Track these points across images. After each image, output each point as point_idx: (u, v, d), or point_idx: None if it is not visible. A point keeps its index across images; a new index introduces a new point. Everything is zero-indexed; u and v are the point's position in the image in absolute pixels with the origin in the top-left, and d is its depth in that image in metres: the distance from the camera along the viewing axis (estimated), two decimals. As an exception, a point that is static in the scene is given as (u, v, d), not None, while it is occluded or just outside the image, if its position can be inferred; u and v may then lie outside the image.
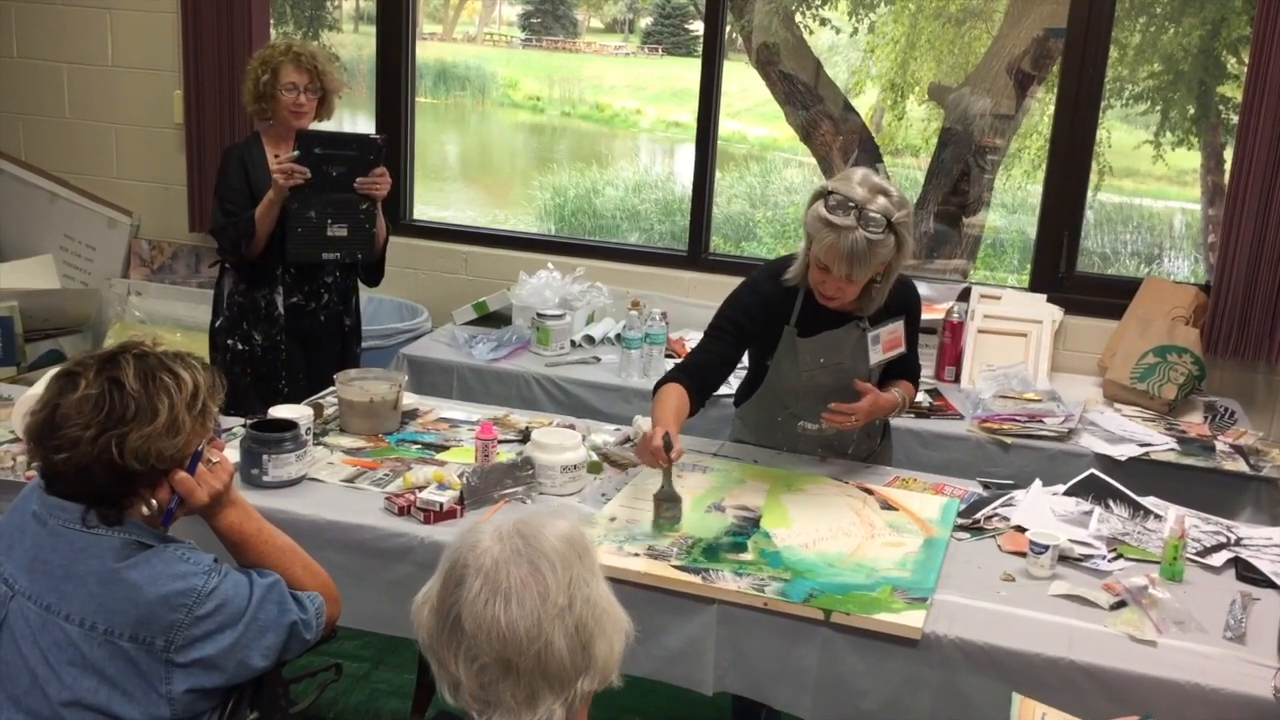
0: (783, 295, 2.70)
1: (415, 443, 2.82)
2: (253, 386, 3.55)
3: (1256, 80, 3.59)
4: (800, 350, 2.72)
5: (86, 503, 1.75)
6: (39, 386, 2.03)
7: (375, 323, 4.47)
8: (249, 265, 3.55)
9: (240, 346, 3.60)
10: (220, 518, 1.91)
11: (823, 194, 2.51)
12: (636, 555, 2.28)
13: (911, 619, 2.09)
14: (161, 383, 1.74)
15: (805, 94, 5.09)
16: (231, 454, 2.28)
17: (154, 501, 1.79)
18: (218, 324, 3.67)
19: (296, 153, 3.39)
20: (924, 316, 3.77)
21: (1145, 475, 3.09)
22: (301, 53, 3.54)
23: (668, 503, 2.42)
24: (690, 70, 4.48)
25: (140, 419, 1.71)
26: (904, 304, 2.78)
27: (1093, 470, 2.81)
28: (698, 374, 2.67)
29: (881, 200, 2.47)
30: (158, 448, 1.73)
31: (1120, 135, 4.61)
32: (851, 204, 2.46)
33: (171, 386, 1.75)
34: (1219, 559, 2.40)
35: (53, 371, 1.84)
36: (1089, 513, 2.55)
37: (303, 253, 3.53)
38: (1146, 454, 3.21)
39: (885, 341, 2.75)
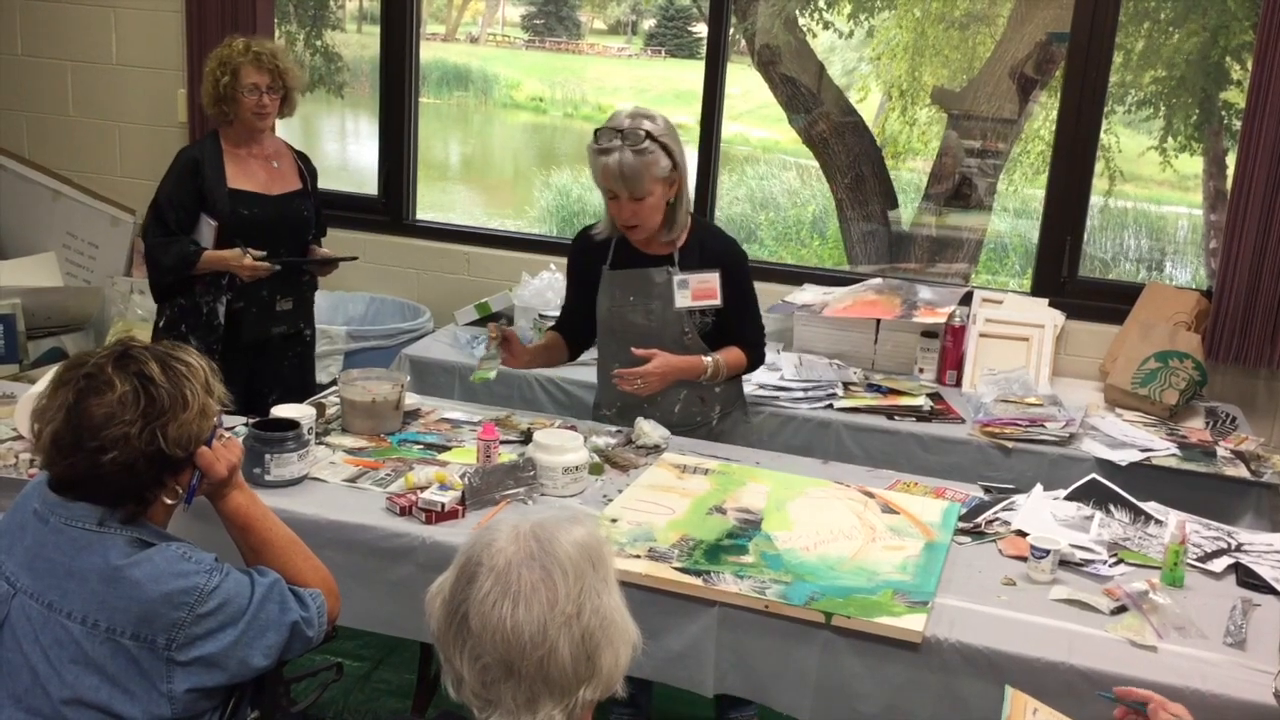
0: (599, 245, 2.95)
1: (417, 443, 2.82)
2: None
3: (1259, 86, 3.59)
4: (610, 285, 2.91)
5: (112, 504, 1.77)
6: (41, 385, 2.03)
7: (377, 323, 4.48)
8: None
9: None
10: (229, 499, 1.96)
11: (594, 135, 2.75)
12: (638, 557, 2.28)
13: (912, 622, 2.09)
14: (180, 372, 1.80)
15: (808, 97, 5.09)
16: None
17: (177, 488, 1.83)
18: (160, 324, 3.58)
19: (265, 256, 3.45)
20: (927, 320, 3.82)
21: (1146, 480, 3.09)
22: (261, 51, 3.45)
23: (486, 359, 2.90)
24: (693, 72, 4.48)
25: (175, 408, 1.77)
26: (719, 257, 2.90)
27: (1094, 475, 2.81)
28: (570, 323, 3.09)
29: (646, 122, 2.71)
30: (192, 432, 1.80)
31: (1123, 140, 4.61)
32: (614, 129, 2.71)
33: (188, 374, 1.81)
34: (1220, 564, 2.40)
35: (50, 376, 1.85)
36: (1090, 517, 2.55)
37: (256, 331, 3.57)
38: (1148, 459, 3.21)
39: (695, 288, 2.85)
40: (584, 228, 3.02)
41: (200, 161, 3.47)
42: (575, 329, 3.08)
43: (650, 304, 2.87)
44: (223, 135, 3.55)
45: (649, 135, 2.69)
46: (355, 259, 3.88)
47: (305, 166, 3.72)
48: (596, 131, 2.73)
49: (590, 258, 2.96)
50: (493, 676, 1.31)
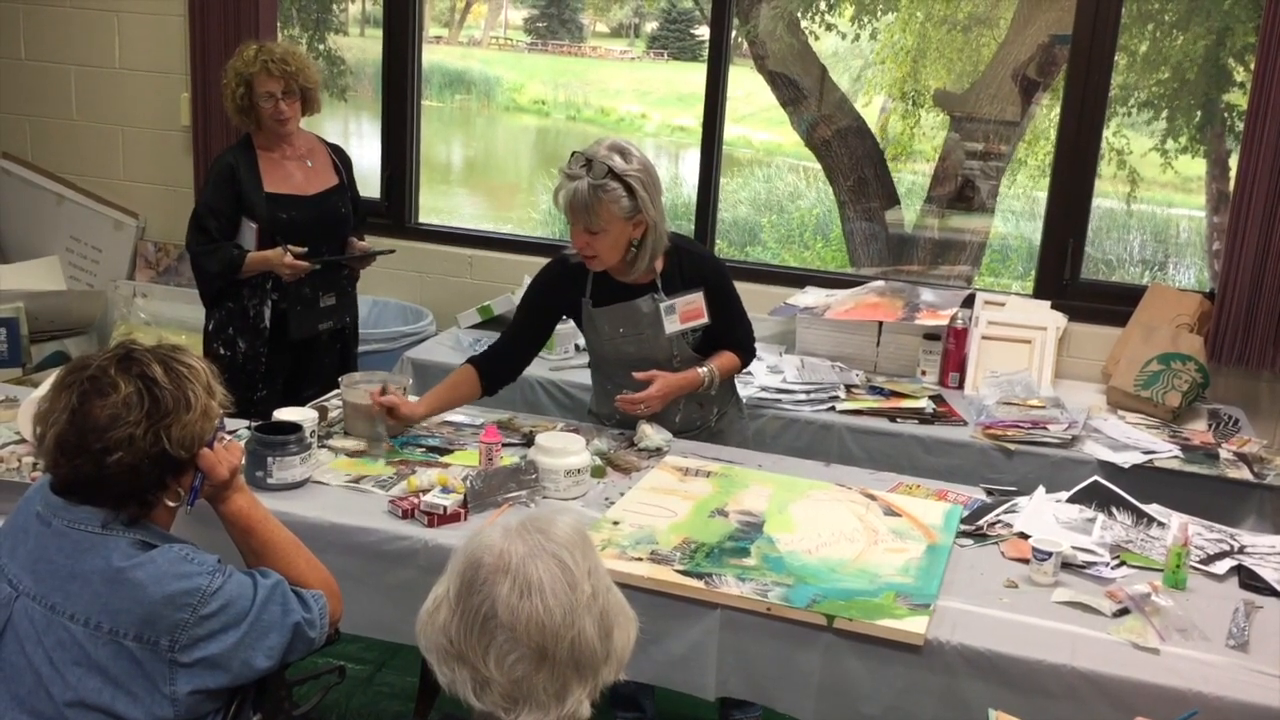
0: (576, 270, 2.88)
1: (419, 446, 2.82)
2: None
3: (1262, 88, 3.58)
4: (597, 321, 2.90)
5: (115, 506, 1.77)
6: (43, 388, 2.04)
7: (379, 326, 4.48)
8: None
9: (223, 352, 3.57)
10: (230, 502, 1.96)
11: (569, 156, 2.70)
12: (640, 560, 2.28)
13: (914, 625, 2.09)
14: (182, 373, 1.81)
15: (810, 99, 5.09)
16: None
17: (179, 490, 1.84)
18: (210, 328, 3.65)
19: (306, 253, 3.49)
20: (929, 323, 3.82)
21: (1149, 483, 3.09)
22: (270, 58, 3.44)
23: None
24: (695, 75, 4.48)
25: (179, 409, 1.78)
26: (700, 275, 2.90)
27: (1096, 477, 2.81)
28: (493, 355, 2.97)
29: (617, 158, 2.65)
30: (195, 433, 1.80)
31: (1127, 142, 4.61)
32: (584, 157, 2.66)
33: (190, 375, 1.81)
34: (1222, 567, 2.39)
35: (51, 379, 1.85)
36: (1092, 520, 2.55)
37: (304, 328, 3.61)
38: (1150, 461, 3.21)
39: (682, 311, 2.87)
40: (560, 254, 2.93)
41: (236, 168, 3.50)
42: (504, 363, 2.97)
43: (641, 333, 2.88)
44: (255, 139, 3.57)
45: (611, 172, 2.64)
46: (393, 252, 3.90)
47: (339, 159, 3.75)
48: (572, 154, 2.70)
49: (565, 286, 2.91)
50: (525, 670, 1.34)
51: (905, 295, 4.01)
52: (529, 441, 2.78)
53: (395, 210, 4.71)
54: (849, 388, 3.63)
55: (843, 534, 2.45)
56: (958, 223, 5.02)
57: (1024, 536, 2.45)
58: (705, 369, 2.90)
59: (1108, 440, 3.34)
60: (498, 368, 2.95)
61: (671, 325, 2.87)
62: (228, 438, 1.97)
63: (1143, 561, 2.40)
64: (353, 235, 3.75)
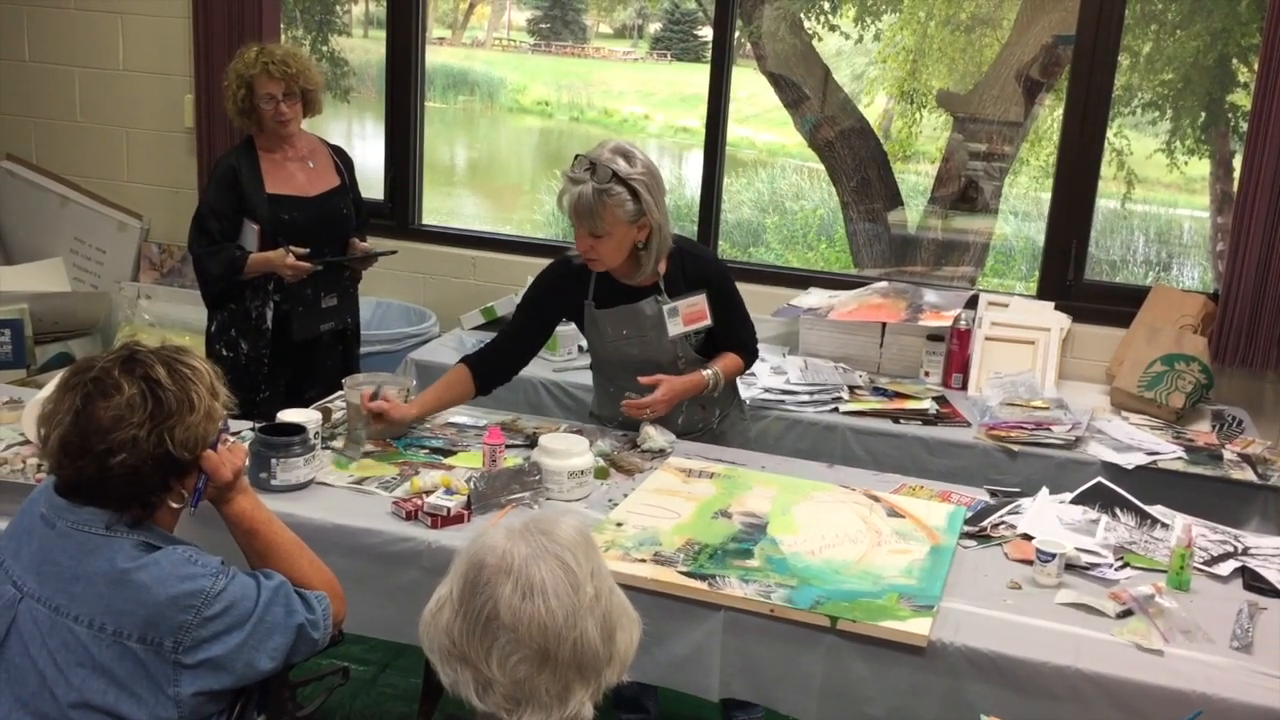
0: (578, 272, 2.87)
1: (423, 447, 2.83)
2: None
3: (1265, 89, 3.58)
4: (600, 323, 2.89)
5: (119, 508, 1.77)
6: (47, 389, 2.04)
7: (383, 327, 4.48)
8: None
9: (225, 353, 3.58)
10: (233, 503, 1.97)
11: (573, 160, 2.70)
12: (643, 561, 2.28)
13: (918, 626, 2.09)
14: (185, 375, 1.81)
15: (813, 100, 5.09)
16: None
17: (183, 492, 1.84)
18: (212, 329, 3.66)
19: (307, 255, 3.49)
20: (932, 324, 3.82)
21: (1152, 484, 3.09)
22: (271, 60, 3.45)
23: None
24: (699, 76, 4.49)
25: (182, 410, 1.78)
26: (703, 277, 2.90)
27: (1100, 478, 2.80)
28: (488, 354, 2.94)
29: (621, 161, 2.64)
30: (198, 435, 1.80)
31: (1131, 143, 4.60)
32: (587, 160, 2.65)
33: (193, 377, 1.81)
34: (1226, 568, 2.39)
35: (55, 381, 1.85)
36: (1096, 521, 2.55)
37: (305, 329, 3.62)
38: (1154, 462, 3.21)
39: (685, 314, 2.87)
40: (563, 255, 2.93)
41: (237, 169, 3.51)
42: (499, 363, 2.96)
43: (644, 335, 2.88)
44: (257, 141, 3.58)
45: (615, 175, 2.63)
46: (395, 253, 3.91)
47: (341, 160, 3.76)
48: (575, 157, 2.68)
49: (568, 287, 2.90)
50: (527, 671, 1.35)
51: (908, 296, 4.01)
52: (532, 443, 2.78)
53: (399, 211, 4.71)
54: (852, 389, 3.63)
55: (846, 535, 2.45)
56: (961, 223, 5.01)
57: (1028, 538, 2.45)
58: (710, 371, 2.90)
59: (1111, 441, 3.33)
60: (492, 367, 2.94)
61: (674, 327, 2.87)
62: (231, 439, 1.97)
63: (1146, 563, 2.40)
64: (355, 237, 3.76)
